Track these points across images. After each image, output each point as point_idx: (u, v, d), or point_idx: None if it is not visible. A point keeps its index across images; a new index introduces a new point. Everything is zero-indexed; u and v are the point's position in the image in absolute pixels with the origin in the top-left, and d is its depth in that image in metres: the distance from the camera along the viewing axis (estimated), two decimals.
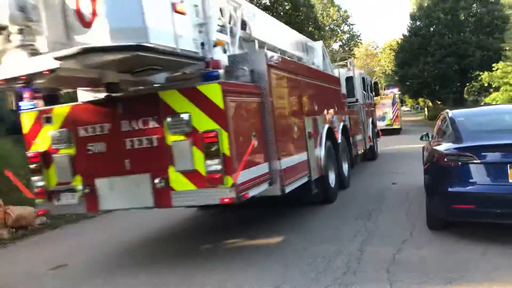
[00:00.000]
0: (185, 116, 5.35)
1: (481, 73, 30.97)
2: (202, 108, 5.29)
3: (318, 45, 11.87)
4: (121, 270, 6.27)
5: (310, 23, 35.23)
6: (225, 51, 6.35)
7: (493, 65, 29.18)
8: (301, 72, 8.17)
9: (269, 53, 6.78)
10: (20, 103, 6.12)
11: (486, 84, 31.23)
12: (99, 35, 4.40)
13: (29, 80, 4.69)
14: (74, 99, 6.65)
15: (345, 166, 10.58)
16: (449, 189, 5.73)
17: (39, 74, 4.51)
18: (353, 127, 12.34)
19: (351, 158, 11.33)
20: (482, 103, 30.92)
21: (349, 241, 6.33)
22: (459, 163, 5.67)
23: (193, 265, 5.99)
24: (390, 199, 8.88)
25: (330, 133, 9.32)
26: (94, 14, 4.42)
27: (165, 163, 5.47)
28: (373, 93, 17.36)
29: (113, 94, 5.68)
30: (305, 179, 7.49)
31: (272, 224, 7.81)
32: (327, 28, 47.15)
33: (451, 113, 7.28)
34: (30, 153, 6.10)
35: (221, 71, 5.48)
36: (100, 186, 5.79)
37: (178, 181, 5.45)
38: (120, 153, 5.67)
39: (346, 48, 50.27)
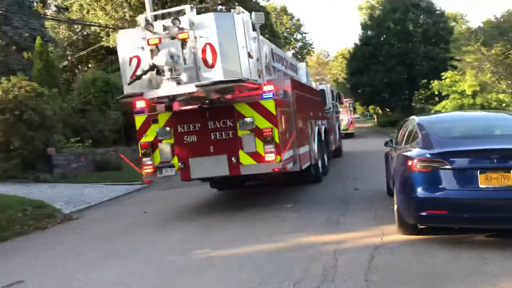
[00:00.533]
0: (250, 119, 9.49)
1: (432, 81, 34.01)
2: (262, 114, 9.49)
3: (303, 65, 16.44)
4: (80, 285, 6.32)
5: (266, 30, 39.74)
6: (259, 77, 10.56)
7: (442, 74, 32.28)
8: (305, 90, 12.73)
9: (293, 80, 11.16)
10: (135, 109, 10.08)
11: (436, 92, 33.96)
12: (217, 73, 8.49)
13: (173, 98, 8.79)
14: None
15: (326, 158, 15.08)
16: (420, 195, 6.15)
17: (182, 95, 8.65)
18: (329, 129, 16.96)
19: (329, 152, 15.95)
20: (432, 111, 32.84)
21: (321, 247, 6.78)
22: (430, 168, 6.10)
23: (163, 281, 6.06)
24: (355, 204, 9.83)
25: (319, 132, 13.81)
26: (214, 60, 8.48)
27: (237, 148, 9.59)
28: (338, 102, 22.29)
29: (204, 106, 9.80)
30: (309, 163, 11.85)
31: (246, 228, 8.56)
32: (281, 35, 51.88)
33: (418, 119, 7.89)
34: (142, 142, 10.03)
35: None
36: (192, 163, 9.83)
37: (245, 158, 9.59)
38: (207, 142, 9.73)
39: (299, 56, 55.30)
